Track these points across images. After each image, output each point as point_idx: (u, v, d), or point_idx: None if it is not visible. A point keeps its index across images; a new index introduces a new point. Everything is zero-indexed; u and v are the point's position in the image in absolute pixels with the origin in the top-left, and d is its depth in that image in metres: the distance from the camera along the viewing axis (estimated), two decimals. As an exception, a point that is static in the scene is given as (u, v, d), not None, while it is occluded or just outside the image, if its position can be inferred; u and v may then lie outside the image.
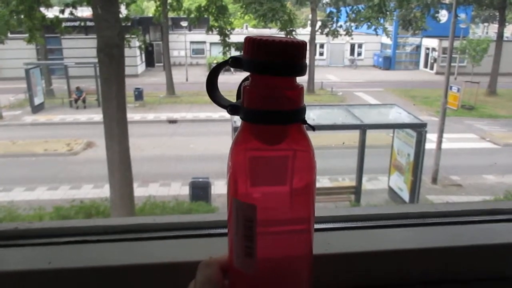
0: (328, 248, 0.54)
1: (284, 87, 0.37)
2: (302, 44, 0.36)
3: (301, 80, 0.39)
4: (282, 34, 9.18)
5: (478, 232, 0.60)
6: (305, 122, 0.38)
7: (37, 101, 12.58)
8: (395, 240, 0.58)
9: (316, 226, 0.54)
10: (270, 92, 0.36)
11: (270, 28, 11.65)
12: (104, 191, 6.39)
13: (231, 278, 0.43)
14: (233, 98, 0.41)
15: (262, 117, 0.37)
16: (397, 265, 0.56)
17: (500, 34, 14.98)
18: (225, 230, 0.54)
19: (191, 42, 20.09)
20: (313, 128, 0.40)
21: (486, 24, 19.40)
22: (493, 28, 17.39)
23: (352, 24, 13.00)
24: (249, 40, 0.36)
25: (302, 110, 0.38)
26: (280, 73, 0.36)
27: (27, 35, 8.07)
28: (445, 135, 8.09)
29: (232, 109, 0.38)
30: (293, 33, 9.14)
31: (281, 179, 0.40)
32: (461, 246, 0.56)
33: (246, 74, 0.38)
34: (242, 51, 0.37)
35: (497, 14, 16.39)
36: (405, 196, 6.47)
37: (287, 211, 0.40)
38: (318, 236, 0.43)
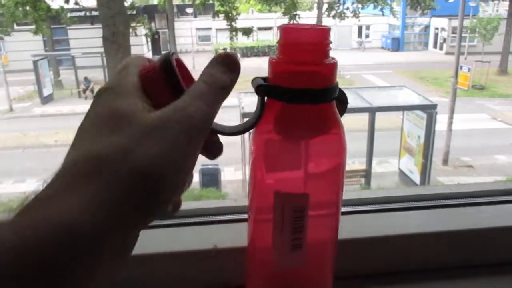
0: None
1: (314, 63, 0.35)
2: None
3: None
4: (286, 19, 9.18)
5: (496, 213, 0.58)
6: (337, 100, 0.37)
7: (46, 92, 12.61)
8: (408, 224, 0.56)
9: (325, 210, 0.52)
10: (300, 68, 0.35)
11: (275, 12, 11.52)
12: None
13: (250, 269, 0.41)
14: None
15: (292, 96, 0.34)
16: (410, 250, 0.53)
17: (511, 12, 14.65)
18: (229, 217, 0.52)
19: (197, 29, 19.95)
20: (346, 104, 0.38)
21: (496, 1, 19.00)
22: (504, 6, 17.02)
23: (359, 5, 12.82)
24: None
25: (335, 88, 0.36)
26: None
27: (33, 26, 8.06)
28: (455, 116, 7.97)
29: (260, 88, 0.35)
30: (297, 17, 9.08)
31: (314, 163, 0.38)
32: (478, 229, 0.54)
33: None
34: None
35: (508, -9, 16.03)
36: (416, 178, 6.42)
37: (319, 196, 0.38)
38: (327, 221, 0.41)
